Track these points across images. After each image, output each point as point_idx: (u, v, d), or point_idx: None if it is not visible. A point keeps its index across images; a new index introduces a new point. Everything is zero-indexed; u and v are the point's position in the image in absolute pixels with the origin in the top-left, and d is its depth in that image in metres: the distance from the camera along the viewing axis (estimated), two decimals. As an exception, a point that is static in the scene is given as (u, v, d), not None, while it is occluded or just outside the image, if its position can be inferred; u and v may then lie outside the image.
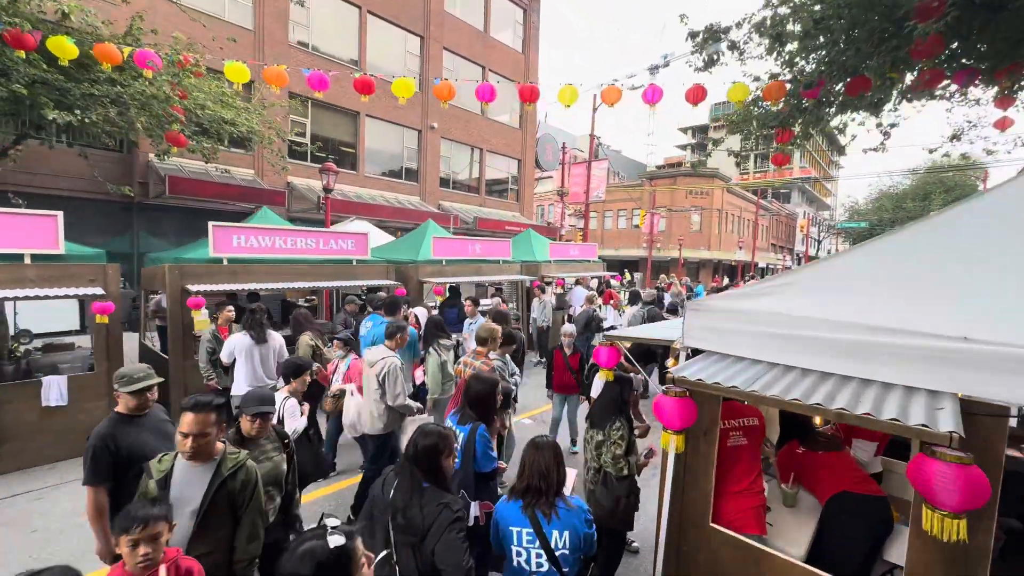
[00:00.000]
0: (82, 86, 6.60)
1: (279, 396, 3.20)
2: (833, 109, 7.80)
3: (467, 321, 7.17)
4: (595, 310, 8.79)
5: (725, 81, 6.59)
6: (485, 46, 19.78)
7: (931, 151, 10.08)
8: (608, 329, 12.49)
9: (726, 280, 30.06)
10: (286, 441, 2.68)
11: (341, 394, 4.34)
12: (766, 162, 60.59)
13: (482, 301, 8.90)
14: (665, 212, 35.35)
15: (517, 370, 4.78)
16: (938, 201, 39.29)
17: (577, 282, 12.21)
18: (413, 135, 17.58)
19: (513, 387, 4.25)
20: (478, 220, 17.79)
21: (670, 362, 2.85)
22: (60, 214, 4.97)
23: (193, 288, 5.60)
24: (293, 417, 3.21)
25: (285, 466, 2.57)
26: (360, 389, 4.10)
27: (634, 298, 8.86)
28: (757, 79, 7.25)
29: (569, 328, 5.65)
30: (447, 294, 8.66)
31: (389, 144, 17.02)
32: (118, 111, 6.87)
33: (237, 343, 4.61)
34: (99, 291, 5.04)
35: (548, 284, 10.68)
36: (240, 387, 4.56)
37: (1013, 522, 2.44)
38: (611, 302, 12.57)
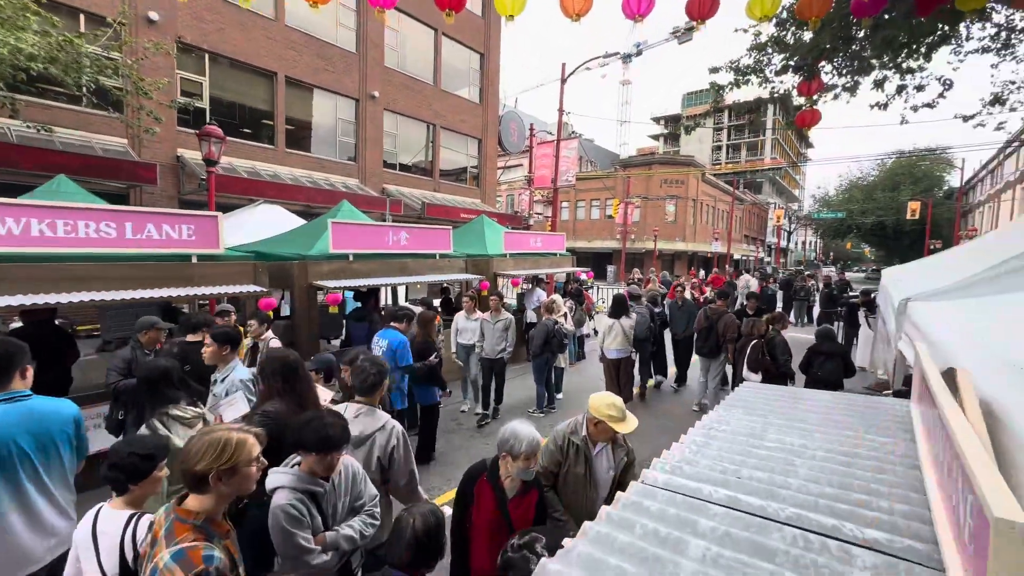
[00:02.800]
0: None
1: None
2: (876, 51, 5.70)
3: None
4: (555, 322, 6.49)
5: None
6: None
7: (966, 118, 8.19)
8: (576, 346, 10.31)
9: (702, 273, 28.51)
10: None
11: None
12: (738, 153, 59.89)
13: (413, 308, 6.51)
14: (640, 201, 33.50)
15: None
16: (906, 192, 38.98)
17: (536, 282, 9.89)
18: (349, 105, 14.82)
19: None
20: (427, 206, 15.23)
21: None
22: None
23: None
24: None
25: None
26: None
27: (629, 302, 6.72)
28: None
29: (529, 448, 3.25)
30: (345, 299, 6.21)
31: (318, 115, 14.23)
32: None
33: None
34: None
35: (498, 297, 6.46)
36: None
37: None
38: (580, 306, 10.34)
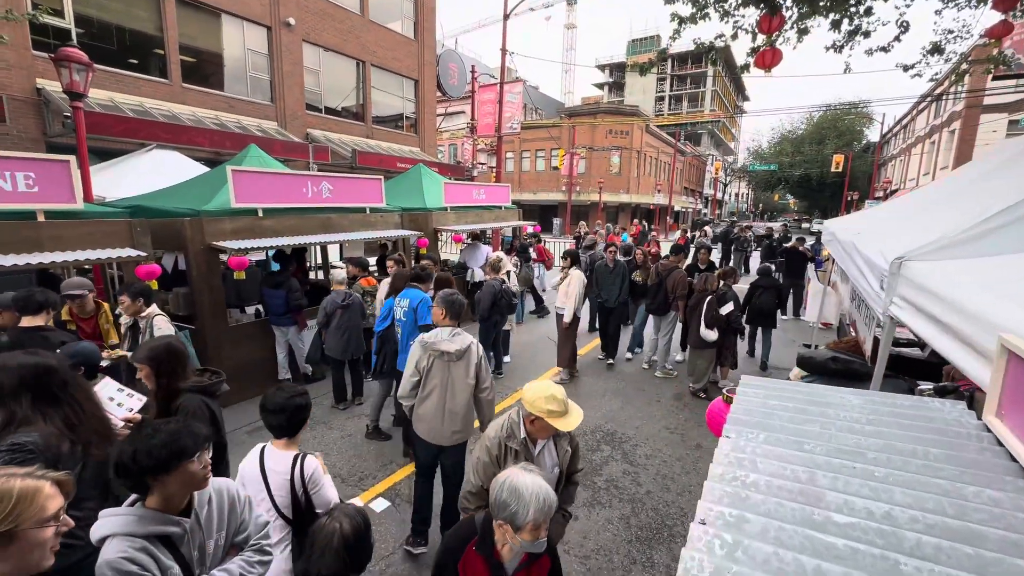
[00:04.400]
0: None
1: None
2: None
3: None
4: (502, 282, 5.97)
5: None
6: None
7: (906, 68, 8.18)
8: (540, 304, 9.84)
9: (645, 225, 28.86)
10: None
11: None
12: (679, 104, 60.22)
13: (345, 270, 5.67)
14: (585, 152, 32.95)
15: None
16: (831, 145, 41.23)
17: (476, 237, 9.23)
18: (259, 34, 12.77)
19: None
20: (359, 154, 13.82)
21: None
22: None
23: None
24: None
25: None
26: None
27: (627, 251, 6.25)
28: None
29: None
30: (254, 264, 5.33)
31: (224, 44, 12.17)
32: None
33: None
34: None
35: (429, 264, 5.30)
36: None
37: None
38: (535, 260, 9.87)
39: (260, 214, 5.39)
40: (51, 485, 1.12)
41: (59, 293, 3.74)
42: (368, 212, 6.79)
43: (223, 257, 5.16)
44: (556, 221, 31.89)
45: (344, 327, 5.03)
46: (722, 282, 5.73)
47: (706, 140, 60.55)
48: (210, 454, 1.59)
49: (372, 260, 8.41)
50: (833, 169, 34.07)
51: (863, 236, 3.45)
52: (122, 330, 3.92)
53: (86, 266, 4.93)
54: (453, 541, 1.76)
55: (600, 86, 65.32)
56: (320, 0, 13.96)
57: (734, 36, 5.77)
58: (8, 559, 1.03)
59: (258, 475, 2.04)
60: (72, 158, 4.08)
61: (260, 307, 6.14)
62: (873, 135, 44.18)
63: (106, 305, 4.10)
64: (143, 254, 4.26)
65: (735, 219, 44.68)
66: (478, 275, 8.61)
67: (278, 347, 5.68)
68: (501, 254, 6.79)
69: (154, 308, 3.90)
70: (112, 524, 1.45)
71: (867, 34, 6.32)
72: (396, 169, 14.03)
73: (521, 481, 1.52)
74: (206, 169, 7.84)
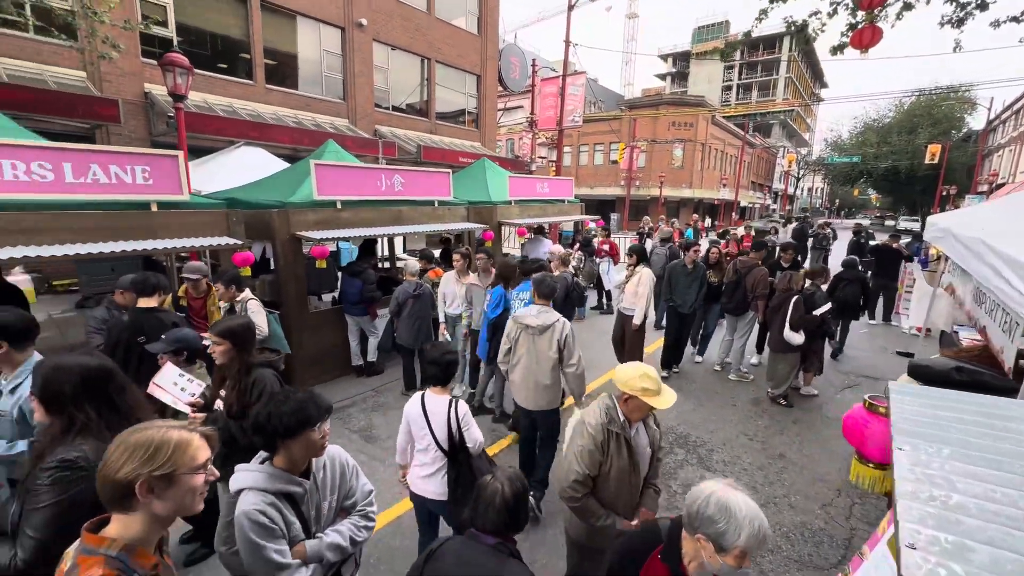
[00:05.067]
0: None
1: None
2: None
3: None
4: (574, 275, 5.88)
5: None
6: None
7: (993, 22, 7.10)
8: (604, 298, 9.62)
9: (708, 221, 27.52)
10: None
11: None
12: (748, 93, 56.77)
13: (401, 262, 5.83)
14: (646, 146, 31.93)
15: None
16: (924, 135, 37.15)
17: (539, 231, 9.15)
18: (334, 35, 13.37)
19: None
20: (423, 149, 14.15)
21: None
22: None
23: None
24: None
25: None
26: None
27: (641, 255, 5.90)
28: None
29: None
30: (340, 251, 5.56)
31: (302, 46, 12.86)
32: None
33: None
34: None
35: (486, 256, 5.20)
36: None
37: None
38: (603, 255, 9.64)
39: (339, 206, 5.63)
40: (200, 438, 1.22)
41: (166, 276, 4.10)
42: (436, 205, 6.91)
43: (304, 246, 5.44)
44: (614, 217, 31.19)
45: (415, 316, 5.15)
46: (809, 281, 5.32)
47: (777, 131, 56.76)
48: (328, 425, 1.67)
49: (436, 253, 8.60)
50: (927, 161, 30.74)
51: (997, 233, 3.05)
52: (220, 313, 4.22)
53: (182, 253, 5.36)
54: (637, 544, 1.66)
55: (662, 76, 62.97)
56: (389, 0, 14.39)
57: (832, 13, 5.29)
58: (167, 500, 1.16)
59: (420, 415, 2.50)
60: (180, 153, 4.44)
61: (335, 295, 6.43)
62: (976, 123, 39.45)
63: (214, 289, 4.43)
64: (239, 242, 4.57)
65: (806, 215, 41.50)
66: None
67: (351, 335, 5.92)
68: (568, 252, 6.68)
69: (247, 293, 4.18)
70: (247, 479, 1.59)
71: (985, 5, 5.63)
72: (458, 164, 14.24)
73: (733, 500, 1.38)
74: (286, 164, 8.33)
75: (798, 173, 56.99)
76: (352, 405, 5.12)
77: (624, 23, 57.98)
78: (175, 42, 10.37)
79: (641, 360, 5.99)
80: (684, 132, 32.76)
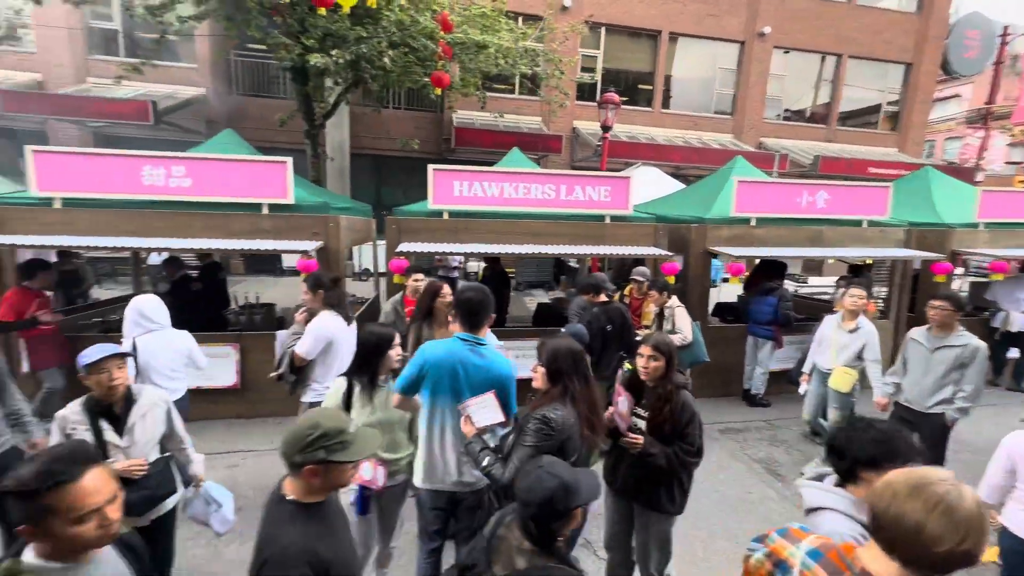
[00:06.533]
0: (342, 28, 6.39)
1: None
2: None
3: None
4: None
5: None
6: None
7: None
8: None
9: None
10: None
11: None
12: None
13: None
14: None
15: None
16: None
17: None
18: (730, 52, 13.26)
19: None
20: (821, 160, 12.28)
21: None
22: (289, 160, 4.59)
23: (405, 248, 4.62)
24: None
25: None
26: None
27: None
28: None
29: None
30: (751, 272, 5.40)
31: (695, 68, 13.36)
32: (372, 50, 6.48)
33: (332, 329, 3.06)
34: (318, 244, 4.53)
35: (953, 305, 3.25)
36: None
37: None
38: None
39: (753, 223, 5.48)
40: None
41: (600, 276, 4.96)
42: (865, 225, 5.80)
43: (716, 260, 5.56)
44: None
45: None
46: None
47: None
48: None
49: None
50: None
51: None
52: (651, 317, 4.80)
53: (571, 259, 6.31)
54: None
55: None
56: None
57: None
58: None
59: None
60: (630, 176, 5.29)
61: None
62: None
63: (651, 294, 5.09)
64: (664, 253, 5.08)
65: None
66: (1018, 321, 6.02)
67: (747, 357, 5.62)
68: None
69: (674, 300, 4.58)
70: (830, 500, 1.45)
71: None
72: (867, 176, 11.71)
73: None
74: (675, 181, 8.84)
75: None
76: (746, 430, 4.91)
77: None
78: (599, 85, 12.65)
79: None
80: None
